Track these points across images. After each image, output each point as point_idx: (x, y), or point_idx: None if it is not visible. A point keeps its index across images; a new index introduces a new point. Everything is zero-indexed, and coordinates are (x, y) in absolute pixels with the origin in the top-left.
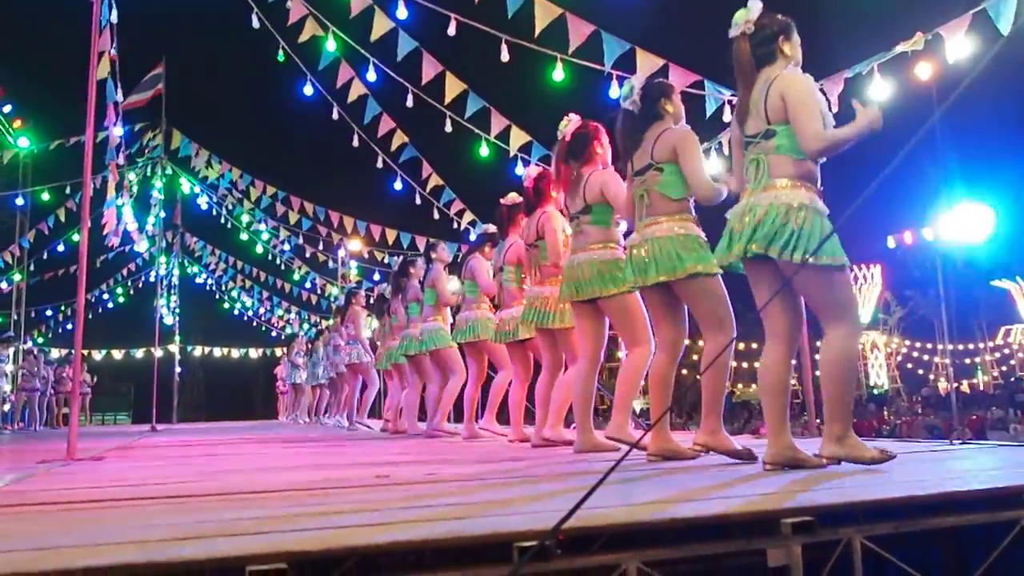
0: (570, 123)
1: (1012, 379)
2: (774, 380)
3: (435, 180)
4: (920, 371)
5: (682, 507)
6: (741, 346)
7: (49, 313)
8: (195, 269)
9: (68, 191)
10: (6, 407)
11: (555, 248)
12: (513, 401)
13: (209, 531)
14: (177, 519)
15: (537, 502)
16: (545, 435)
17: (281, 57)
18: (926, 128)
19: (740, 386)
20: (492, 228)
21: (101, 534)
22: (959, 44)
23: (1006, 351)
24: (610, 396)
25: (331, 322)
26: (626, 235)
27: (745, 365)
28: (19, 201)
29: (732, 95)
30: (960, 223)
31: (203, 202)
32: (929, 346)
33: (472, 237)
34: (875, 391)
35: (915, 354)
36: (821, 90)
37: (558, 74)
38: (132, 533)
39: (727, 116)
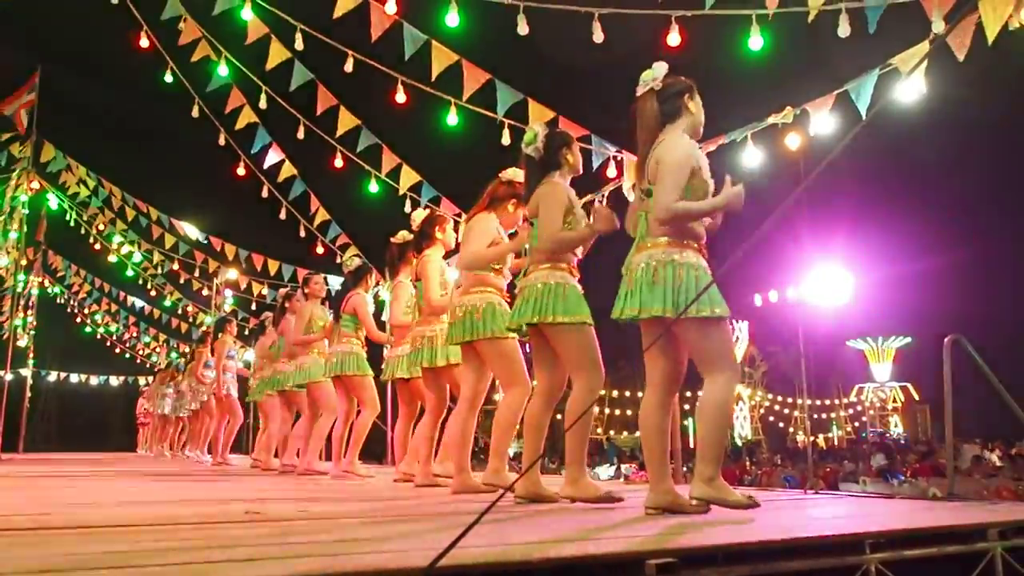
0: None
1: (863, 435)
2: (651, 426)
3: (322, 214)
4: (781, 424)
5: (555, 547)
6: (615, 393)
7: None
8: (56, 289)
9: None
10: None
11: (428, 292)
12: (397, 438)
13: (64, 565)
14: (36, 551)
15: (412, 539)
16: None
17: (170, 78)
18: (792, 197)
19: (612, 432)
20: (357, 262)
21: None
22: (824, 119)
23: (859, 407)
24: (485, 439)
25: (198, 350)
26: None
27: (618, 412)
28: None
29: (617, 151)
30: (821, 285)
31: (71, 219)
32: (790, 400)
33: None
34: (739, 442)
35: (776, 407)
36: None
37: (452, 118)
38: None
39: (611, 171)
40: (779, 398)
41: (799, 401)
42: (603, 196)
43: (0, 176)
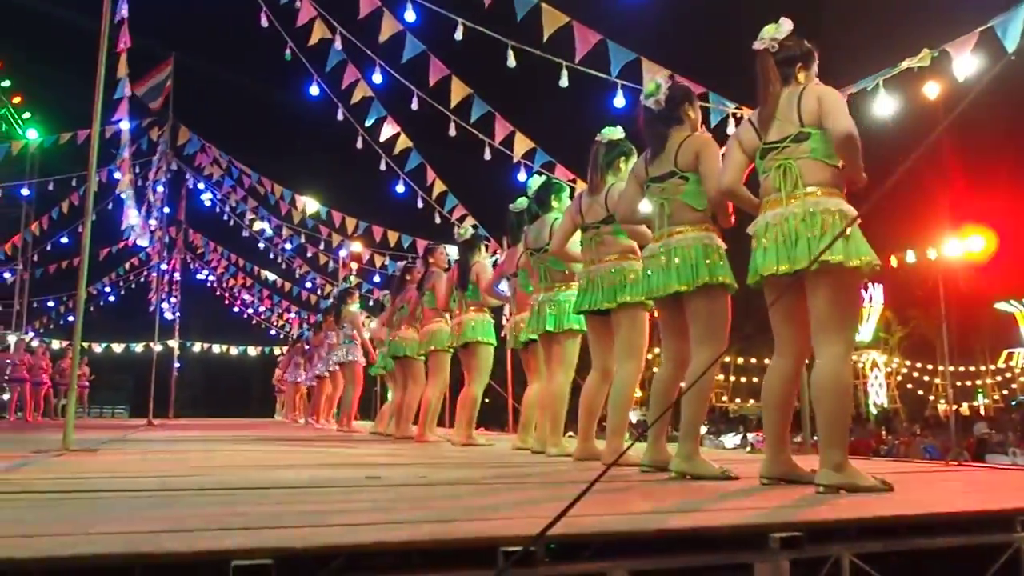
0: (615, 132)
1: (1013, 403)
2: (776, 396)
3: (439, 185)
4: (920, 392)
5: (672, 518)
6: (740, 360)
7: (51, 304)
8: (197, 265)
9: (74, 183)
10: (5, 396)
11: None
12: (526, 405)
13: (196, 524)
14: (166, 512)
15: (526, 508)
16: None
17: (288, 57)
18: (929, 141)
19: (738, 400)
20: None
21: (89, 524)
22: (966, 61)
23: (1008, 375)
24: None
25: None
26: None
27: (743, 380)
28: (24, 192)
29: (736, 108)
30: (963, 244)
31: (207, 199)
32: (930, 367)
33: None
34: (874, 411)
35: (915, 375)
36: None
37: (563, 81)
38: (120, 524)
39: (731, 128)
40: (918, 364)
41: (940, 368)
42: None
43: (141, 160)
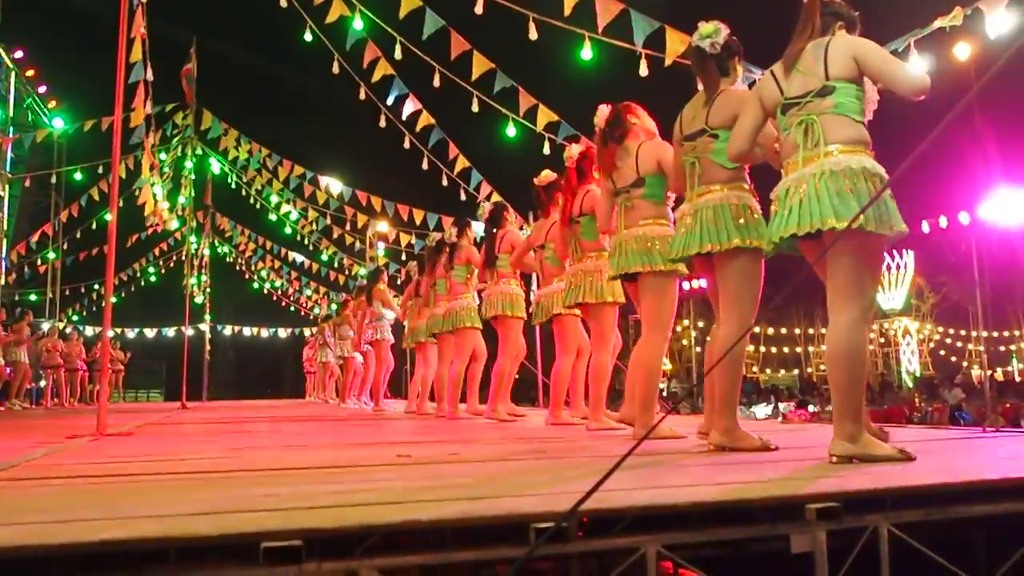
0: (601, 114)
1: None
2: (847, 353)
3: (462, 161)
4: (953, 358)
5: (704, 490)
6: (770, 331)
7: (83, 291)
8: (225, 248)
9: (101, 171)
10: (42, 383)
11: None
12: (554, 380)
13: (227, 507)
14: (196, 494)
15: (558, 484)
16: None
17: (309, 37)
18: (962, 104)
19: (768, 371)
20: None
21: (121, 508)
22: (1000, 19)
23: None
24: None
25: (359, 300)
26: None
27: (774, 350)
28: (53, 180)
29: (763, 73)
30: (998, 208)
31: (233, 182)
32: (963, 333)
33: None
34: (907, 379)
35: (948, 341)
36: None
37: (586, 53)
38: (151, 507)
39: None
40: (951, 331)
41: (974, 333)
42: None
43: (166, 145)
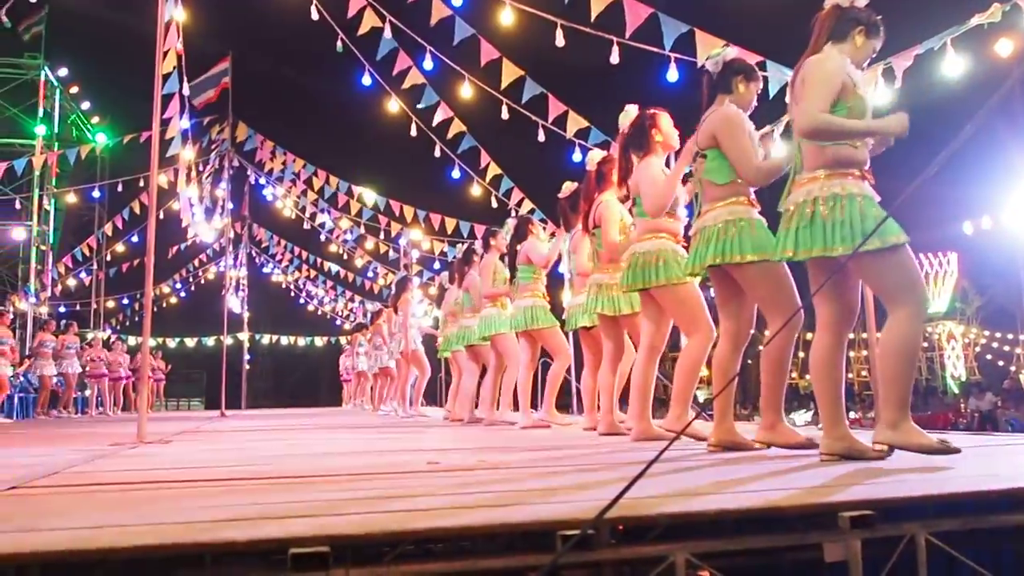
0: (627, 115)
1: None
2: (824, 368)
3: (493, 169)
4: (1000, 362)
5: (734, 497)
6: (809, 336)
7: (126, 302)
8: (263, 259)
9: (141, 184)
10: (86, 392)
11: (607, 237)
12: (585, 388)
13: (256, 513)
14: (228, 501)
15: (584, 491)
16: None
17: (340, 49)
18: (992, 101)
19: (808, 377)
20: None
21: (154, 514)
22: None
23: None
24: (671, 385)
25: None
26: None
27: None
28: (95, 194)
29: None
30: None
31: (269, 193)
32: (1010, 336)
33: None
34: (952, 384)
35: (995, 345)
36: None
37: (615, 58)
38: (183, 514)
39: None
40: (997, 334)
41: (1021, 337)
42: (785, 125)
43: (203, 157)
